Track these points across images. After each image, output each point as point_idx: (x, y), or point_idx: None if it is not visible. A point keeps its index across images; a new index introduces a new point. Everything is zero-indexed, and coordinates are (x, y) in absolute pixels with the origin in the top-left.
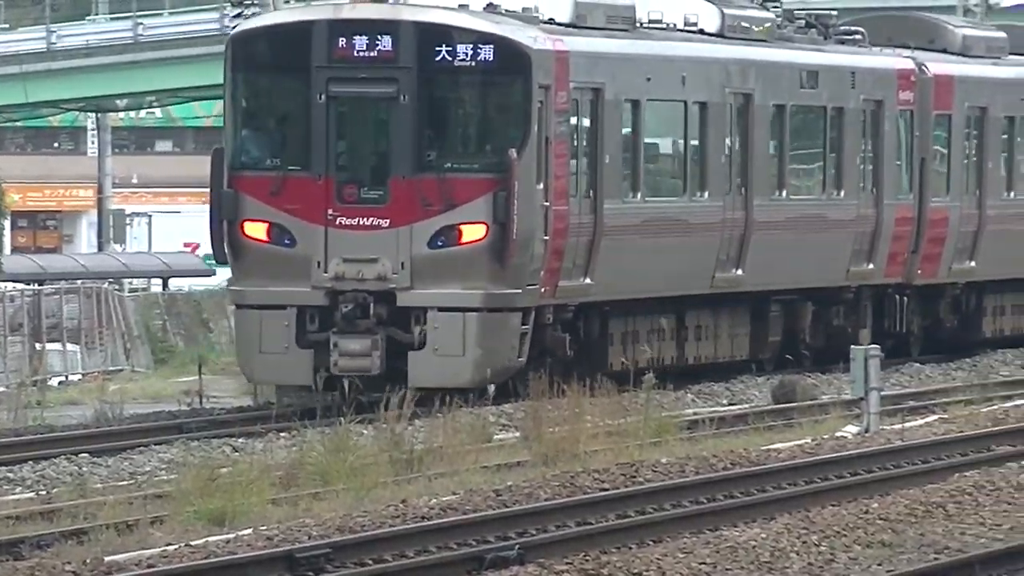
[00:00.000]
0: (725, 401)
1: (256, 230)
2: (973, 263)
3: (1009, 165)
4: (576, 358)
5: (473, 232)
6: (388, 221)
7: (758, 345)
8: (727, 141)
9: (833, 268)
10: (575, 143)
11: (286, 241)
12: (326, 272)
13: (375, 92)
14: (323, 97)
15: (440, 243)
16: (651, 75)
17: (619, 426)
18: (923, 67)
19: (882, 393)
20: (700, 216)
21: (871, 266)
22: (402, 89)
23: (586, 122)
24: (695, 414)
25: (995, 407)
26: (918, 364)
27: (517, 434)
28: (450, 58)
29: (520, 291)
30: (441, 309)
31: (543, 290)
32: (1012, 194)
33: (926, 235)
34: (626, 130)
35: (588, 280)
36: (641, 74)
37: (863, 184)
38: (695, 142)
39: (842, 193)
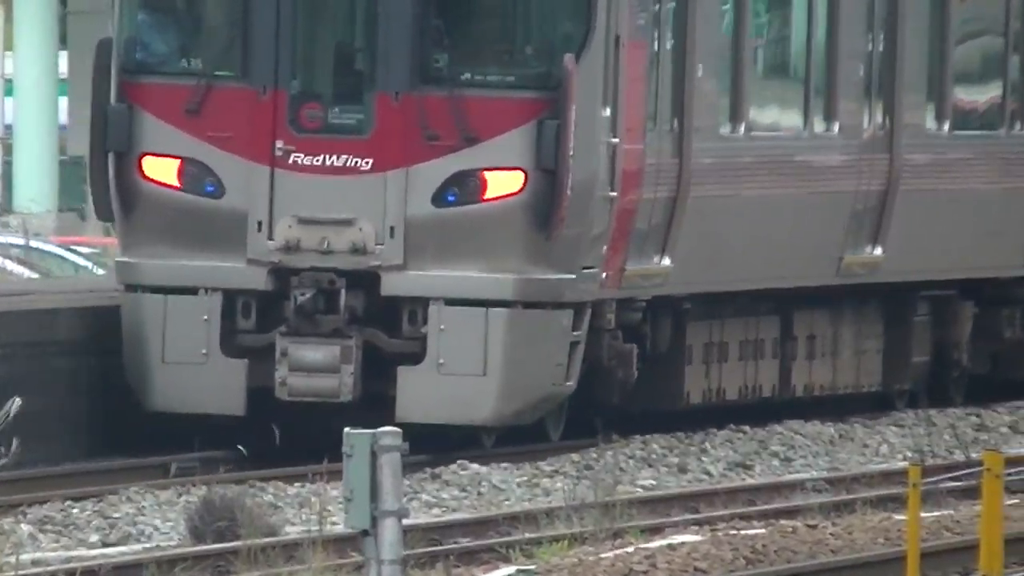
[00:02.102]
0: None
1: (161, 170)
2: None
3: None
4: (638, 381)
5: (504, 183)
6: (371, 162)
7: (895, 369)
8: (867, 40)
9: (1009, 247)
10: (656, 47)
11: (208, 188)
12: (271, 239)
13: None
14: None
15: (452, 198)
16: None
17: None
18: None
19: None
20: (829, 161)
21: None
22: None
23: (671, 14)
24: None
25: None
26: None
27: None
28: None
29: (574, 277)
30: (451, 302)
31: (604, 276)
32: None
33: None
34: (726, 29)
35: (667, 261)
36: None
37: None
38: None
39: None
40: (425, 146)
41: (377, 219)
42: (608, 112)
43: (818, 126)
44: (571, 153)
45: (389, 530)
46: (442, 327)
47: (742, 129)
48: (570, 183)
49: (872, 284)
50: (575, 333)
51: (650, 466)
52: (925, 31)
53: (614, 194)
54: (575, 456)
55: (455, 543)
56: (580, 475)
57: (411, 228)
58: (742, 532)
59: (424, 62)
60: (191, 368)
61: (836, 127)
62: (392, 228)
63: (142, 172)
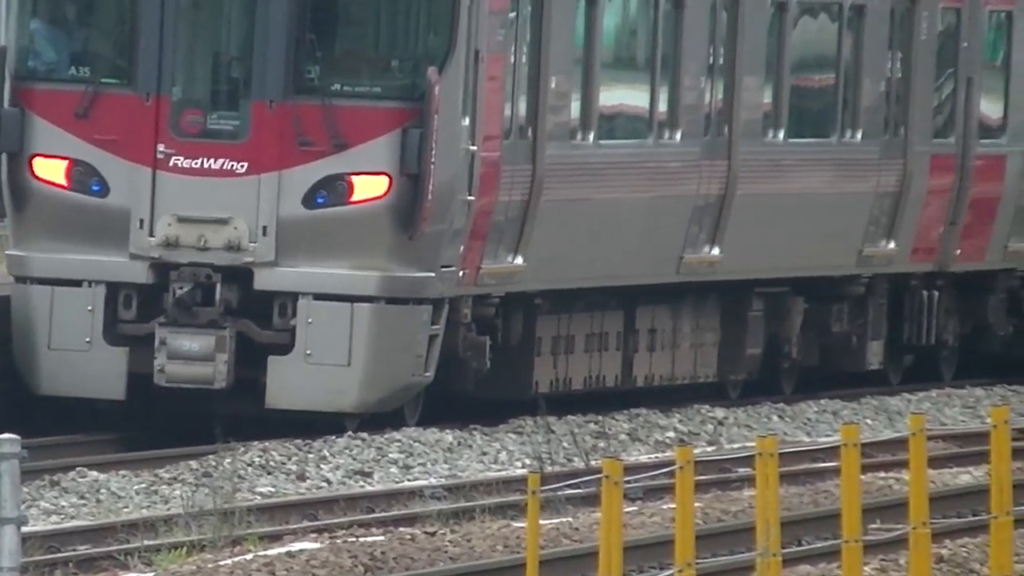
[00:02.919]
0: None
1: (51, 170)
2: None
3: None
4: (490, 371)
5: (371, 186)
6: (246, 165)
7: (730, 360)
8: (708, 53)
9: (839, 250)
10: (513, 59)
11: (94, 187)
12: (152, 236)
13: None
14: None
15: (321, 200)
16: None
17: None
18: None
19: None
20: (669, 166)
21: (892, 246)
22: None
23: (527, 27)
24: None
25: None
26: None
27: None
28: None
29: (434, 274)
30: (319, 296)
31: (462, 274)
32: None
33: (969, 198)
34: (579, 39)
35: (519, 260)
36: None
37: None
38: (664, 54)
39: (858, 135)
40: (297, 151)
41: (251, 219)
42: (467, 121)
43: (662, 134)
44: (433, 159)
45: (8, 538)
46: (310, 320)
47: (591, 136)
48: (431, 187)
49: (709, 283)
50: (434, 327)
51: (269, 473)
52: (763, 44)
53: (472, 198)
54: (194, 463)
55: (74, 550)
56: (199, 482)
57: (283, 227)
58: (361, 539)
59: (298, 73)
60: (75, 355)
61: (678, 135)
62: (265, 227)
63: (32, 172)
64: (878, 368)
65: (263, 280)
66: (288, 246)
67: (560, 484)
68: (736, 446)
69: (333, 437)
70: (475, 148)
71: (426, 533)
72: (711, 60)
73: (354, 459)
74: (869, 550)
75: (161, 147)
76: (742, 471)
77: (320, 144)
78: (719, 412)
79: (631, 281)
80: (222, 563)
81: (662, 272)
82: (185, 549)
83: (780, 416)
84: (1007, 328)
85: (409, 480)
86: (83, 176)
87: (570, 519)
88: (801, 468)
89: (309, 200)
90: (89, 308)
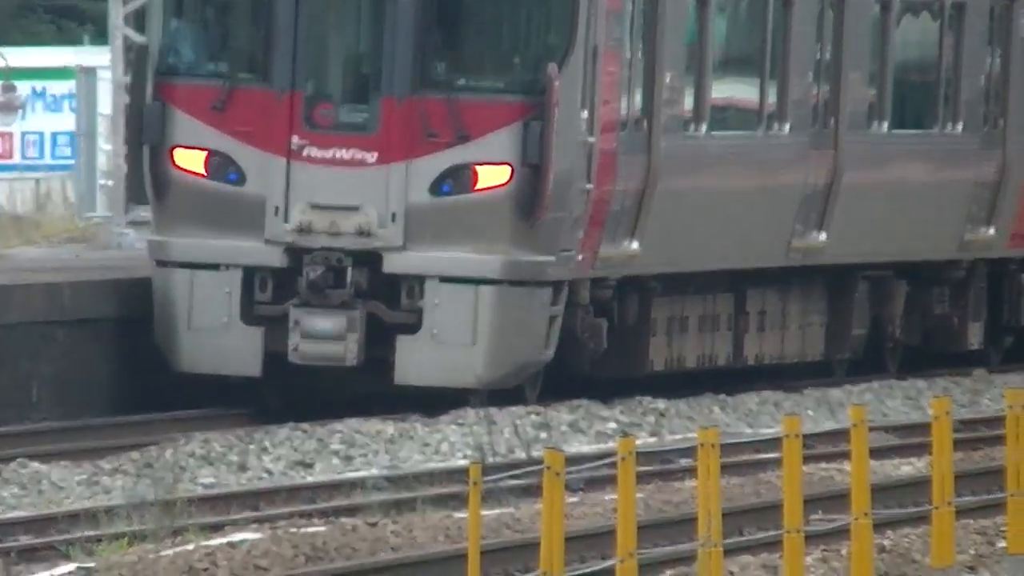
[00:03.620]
0: None
1: (190, 160)
2: None
3: None
4: (605, 352)
5: (493, 175)
6: (375, 156)
7: (837, 340)
8: (815, 50)
9: (940, 236)
10: (629, 55)
11: (232, 177)
12: (287, 222)
13: None
14: None
15: (447, 189)
16: None
17: None
18: None
19: None
20: (778, 157)
21: (991, 232)
22: None
23: (641, 26)
24: None
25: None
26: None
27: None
28: None
29: (553, 258)
30: (445, 279)
31: (580, 258)
32: None
33: None
34: (692, 37)
35: (635, 245)
36: None
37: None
38: (773, 50)
39: (959, 127)
40: (424, 143)
41: (381, 206)
42: (586, 114)
43: (771, 126)
44: (553, 150)
45: None
46: (436, 301)
47: (704, 128)
48: (551, 177)
49: (817, 266)
50: (553, 308)
51: (210, 464)
52: (867, 40)
53: (590, 186)
54: (135, 454)
55: (15, 541)
56: (140, 473)
57: (410, 214)
58: (302, 530)
59: (425, 69)
60: (214, 334)
61: (787, 126)
62: (394, 214)
63: (173, 162)
64: (978, 348)
65: (392, 264)
66: (415, 232)
67: (502, 475)
68: (678, 437)
69: (275, 427)
70: (593, 140)
71: (368, 524)
72: (818, 56)
73: (295, 450)
74: (811, 540)
75: (295, 139)
76: (684, 462)
77: (445, 136)
78: (661, 403)
79: (741, 265)
80: (163, 554)
81: (771, 256)
82: (126, 540)
83: (722, 408)
84: None
85: (350, 471)
86: (221, 166)
87: (512, 510)
88: (743, 459)
89: (435, 188)
90: (227, 290)
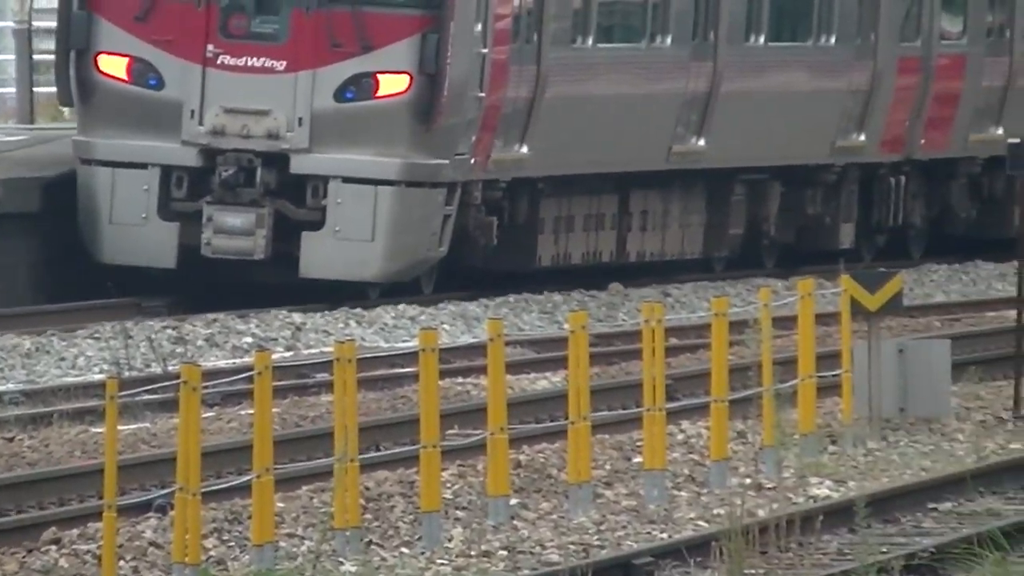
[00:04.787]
0: None
1: (113, 65)
2: (1000, 129)
3: None
4: (496, 249)
5: (393, 83)
6: (285, 64)
7: (715, 238)
8: None
9: (814, 141)
10: None
11: (151, 81)
12: (202, 124)
13: None
14: None
15: (350, 95)
16: None
17: None
18: None
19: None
20: (660, 67)
21: (862, 138)
22: None
23: None
24: None
25: None
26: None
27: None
28: None
29: (447, 162)
30: (347, 179)
31: (473, 161)
32: None
33: (932, 92)
34: None
35: (524, 149)
36: None
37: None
38: None
39: (832, 39)
40: (330, 52)
41: (289, 111)
42: (480, 27)
43: (653, 38)
44: (449, 61)
45: None
46: (339, 200)
47: (590, 41)
48: (447, 85)
49: (696, 171)
50: (447, 208)
51: None
52: None
53: (483, 94)
54: None
55: None
56: None
57: (316, 119)
58: None
59: None
60: (134, 229)
61: (668, 39)
62: (300, 118)
63: (98, 67)
64: (850, 247)
65: (298, 165)
66: (320, 135)
67: (138, 389)
68: (314, 351)
69: None
70: (486, 51)
71: (3, 438)
72: None
73: None
74: (447, 455)
75: (211, 47)
76: (320, 376)
77: (350, 46)
78: (297, 318)
79: (624, 168)
80: None
81: (653, 161)
82: None
83: (358, 322)
84: (970, 211)
85: None
86: (142, 72)
87: (148, 425)
88: (379, 374)
89: (339, 95)
90: (145, 188)
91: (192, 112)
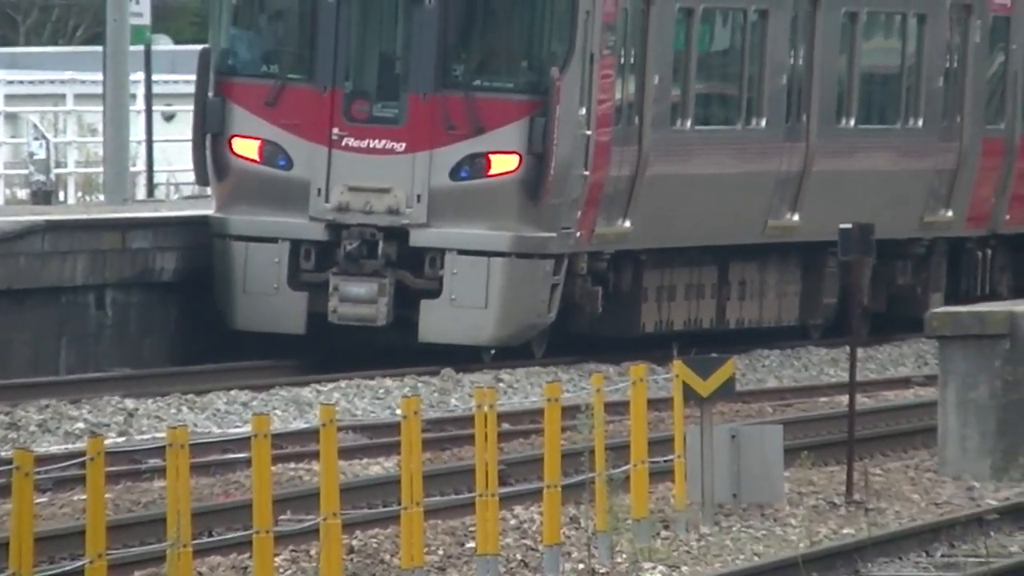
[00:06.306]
0: None
1: (246, 148)
2: None
3: None
4: (602, 316)
5: (504, 163)
6: (404, 145)
7: (810, 307)
8: (789, 56)
9: (904, 216)
10: (621, 60)
11: (281, 162)
12: (327, 202)
13: None
14: None
15: (464, 174)
16: None
17: None
18: None
19: None
20: (755, 147)
21: (949, 214)
22: None
23: (632, 34)
24: None
25: None
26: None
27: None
28: None
29: (555, 235)
30: (462, 252)
31: (578, 234)
32: None
33: (1016, 171)
34: (678, 44)
35: (627, 224)
36: None
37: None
38: (751, 55)
39: (919, 122)
40: (445, 134)
41: (408, 188)
42: (584, 110)
43: (749, 120)
44: (555, 142)
45: None
46: (455, 271)
47: (688, 123)
48: (554, 164)
49: (790, 244)
50: (555, 277)
51: None
52: (836, 47)
53: (587, 172)
54: None
55: None
56: None
57: (433, 196)
58: None
59: (446, 70)
60: (265, 298)
61: (763, 121)
62: (419, 195)
63: (231, 149)
64: None
65: (417, 238)
66: (437, 211)
67: None
68: (147, 437)
69: None
70: (590, 132)
71: None
72: (791, 60)
73: None
74: (280, 540)
75: (336, 130)
76: (153, 462)
77: (463, 128)
78: (129, 403)
79: (722, 241)
80: None
81: (750, 234)
82: None
83: (190, 407)
84: None
85: None
86: (272, 153)
87: None
88: (212, 459)
89: (455, 174)
90: (276, 260)
91: (319, 190)
